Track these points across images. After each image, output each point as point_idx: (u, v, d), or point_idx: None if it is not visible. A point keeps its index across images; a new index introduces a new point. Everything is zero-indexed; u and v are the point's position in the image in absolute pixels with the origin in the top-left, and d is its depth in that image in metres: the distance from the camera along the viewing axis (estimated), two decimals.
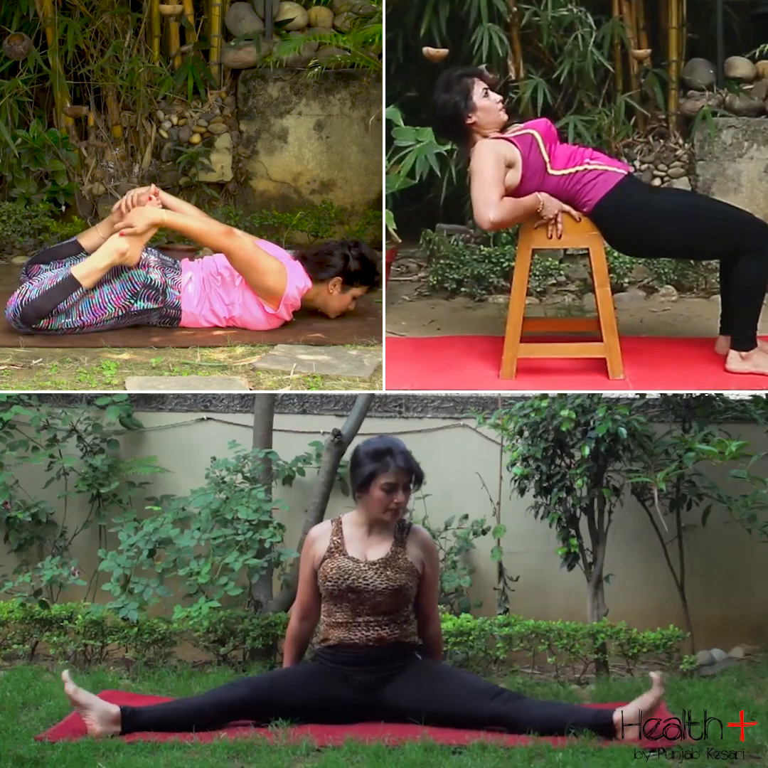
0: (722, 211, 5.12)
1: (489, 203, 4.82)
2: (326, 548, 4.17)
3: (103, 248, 5.12)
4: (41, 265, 5.19)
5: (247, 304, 5.23)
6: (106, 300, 5.10)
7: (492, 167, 4.88)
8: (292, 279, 5.26)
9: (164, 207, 5.25)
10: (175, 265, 5.27)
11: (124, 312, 5.14)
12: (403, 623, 4.14)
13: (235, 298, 5.24)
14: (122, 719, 3.92)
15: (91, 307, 5.09)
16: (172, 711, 4.02)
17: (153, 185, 5.32)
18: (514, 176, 4.90)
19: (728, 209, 5.15)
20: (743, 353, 4.98)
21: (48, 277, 5.07)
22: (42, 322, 5.05)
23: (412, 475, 4.16)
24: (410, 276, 6.45)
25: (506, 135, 4.97)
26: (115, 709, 3.94)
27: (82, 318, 5.08)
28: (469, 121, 4.99)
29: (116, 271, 5.14)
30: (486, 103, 5.00)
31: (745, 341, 4.99)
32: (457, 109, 5.00)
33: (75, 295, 5.05)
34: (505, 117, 5.04)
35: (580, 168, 4.92)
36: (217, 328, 5.27)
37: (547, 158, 4.92)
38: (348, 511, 4.28)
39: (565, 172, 4.92)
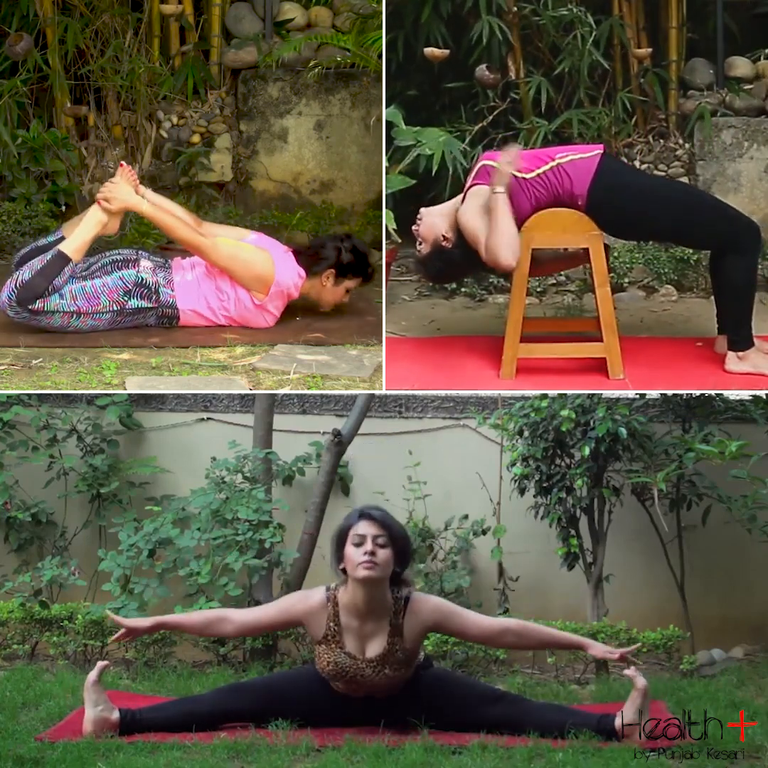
0: (714, 202, 5.19)
1: (501, 250, 4.85)
2: (322, 633, 3.99)
3: (86, 221, 5.21)
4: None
5: (240, 298, 5.24)
6: (99, 291, 5.12)
7: (479, 220, 4.91)
8: (285, 267, 5.28)
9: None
10: (167, 265, 5.29)
11: (119, 308, 5.14)
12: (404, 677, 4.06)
13: (230, 294, 5.24)
14: (120, 724, 3.93)
15: (84, 294, 5.10)
16: (169, 717, 3.99)
17: (124, 165, 5.37)
18: None
19: (719, 202, 5.21)
20: (740, 353, 4.98)
21: (37, 260, 5.10)
22: (38, 302, 5.05)
23: (385, 530, 3.94)
24: (410, 276, 6.44)
25: (468, 183, 5.01)
26: (115, 715, 3.94)
27: (76, 302, 5.08)
28: (445, 241, 5.03)
29: (107, 270, 5.19)
30: (427, 224, 5.05)
31: (740, 342, 4.99)
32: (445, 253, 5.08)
33: (67, 269, 5.08)
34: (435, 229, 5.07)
35: (553, 164, 4.92)
36: (216, 326, 5.28)
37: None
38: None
39: (538, 171, 4.93)
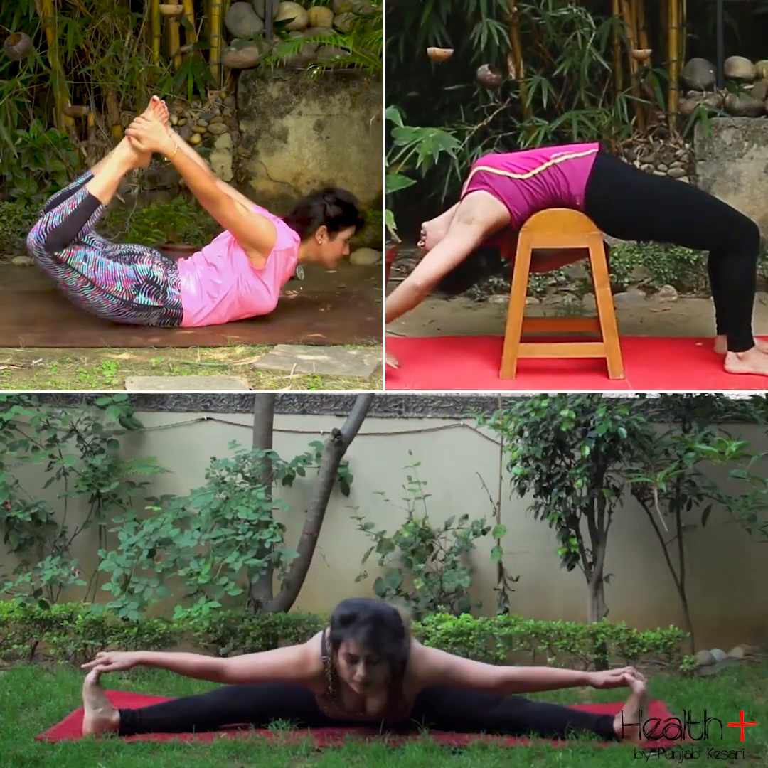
0: (713, 202, 5.21)
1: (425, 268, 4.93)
2: (321, 693, 3.97)
3: (114, 159, 5.16)
4: None
5: (244, 278, 5.23)
6: (118, 273, 5.11)
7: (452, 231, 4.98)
8: (281, 231, 5.31)
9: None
10: (174, 266, 5.29)
11: (128, 299, 5.13)
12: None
13: (232, 279, 5.23)
14: (120, 725, 3.94)
15: (105, 270, 5.09)
16: (169, 719, 3.99)
17: (157, 100, 5.24)
18: (498, 209, 4.92)
19: (719, 202, 5.22)
20: (740, 354, 4.98)
21: (67, 202, 5.05)
22: (64, 251, 5.02)
23: (376, 649, 3.82)
24: None
25: (464, 190, 5.03)
26: (115, 716, 3.95)
27: (95, 272, 5.07)
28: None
29: (125, 259, 5.18)
30: (432, 238, 5.08)
31: (740, 342, 4.99)
32: None
33: (96, 213, 5.05)
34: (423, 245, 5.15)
35: (548, 164, 4.92)
36: (218, 324, 5.28)
37: (504, 172, 4.93)
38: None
39: (534, 172, 4.92)
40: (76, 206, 5.02)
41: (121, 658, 4.08)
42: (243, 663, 4.07)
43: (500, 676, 3.98)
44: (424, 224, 5.17)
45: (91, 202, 5.04)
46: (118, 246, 5.30)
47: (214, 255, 5.29)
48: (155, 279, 5.17)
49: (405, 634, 3.91)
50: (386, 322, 5.01)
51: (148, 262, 5.20)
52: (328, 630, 3.94)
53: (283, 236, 5.30)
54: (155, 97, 5.26)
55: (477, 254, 5.02)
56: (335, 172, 6.85)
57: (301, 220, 5.42)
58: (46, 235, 5.00)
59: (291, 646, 4.12)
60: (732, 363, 4.99)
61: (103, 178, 5.10)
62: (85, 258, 5.06)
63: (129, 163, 5.18)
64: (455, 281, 5.16)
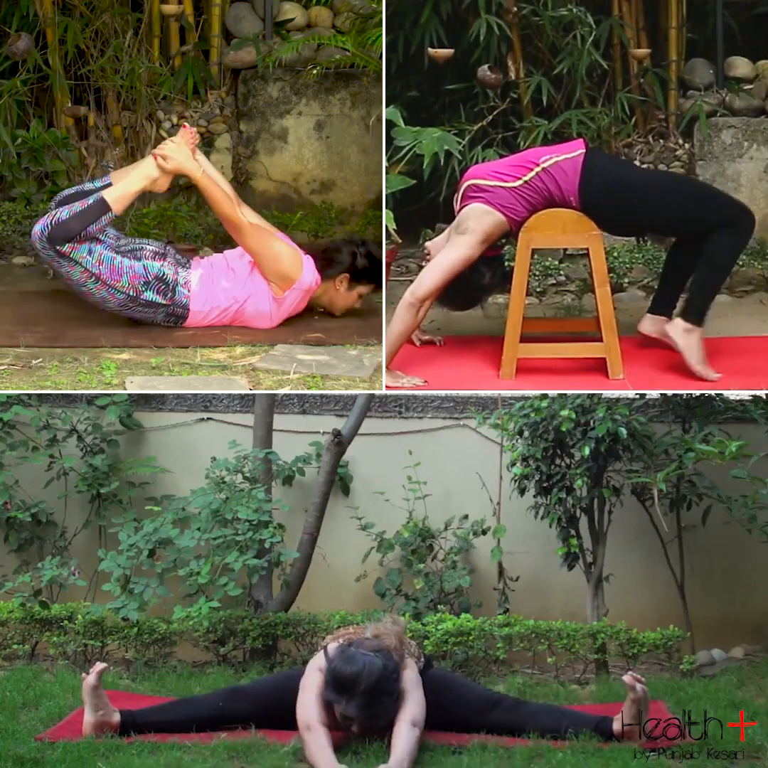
0: (703, 187, 5.25)
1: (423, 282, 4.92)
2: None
3: (136, 173, 5.20)
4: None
5: (257, 296, 5.24)
6: (125, 269, 5.12)
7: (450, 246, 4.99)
8: (308, 271, 5.30)
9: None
10: (187, 265, 5.29)
11: (134, 294, 5.14)
12: None
13: (246, 291, 5.24)
14: (121, 726, 3.94)
15: (110, 264, 5.10)
16: (170, 722, 3.98)
17: (188, 126, 5.35)
18: (493, 217, 4.93)
19: (708, 186, 5.23)
20: (689, 326, 4.94)
21: (78, 202, 5.09)
22: (67, 246, 5.04)
23: (373, 721, 3.86)
24: (410, 276, 6.43)
25: (458, 206, 5.03)
26: (115, 718, 3.95)
27: (99, 267, 5.08)
28: None
29: (136, 255, 5.19)
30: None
31: (695, 314, 4.94)
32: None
33: (105, 219, 5.07)
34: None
35: (538, 169, 4.91)
36: (218, 327, 5.28)
37: (496, 183, 4.93)
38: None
39: (525, 179, 4.91)
40: (86, 206, 5.05)
41: None
42: (303, 710, 3.92)
43: (400, 721, 3.85)
44: (427, 244, 5.22)
45: (103, 206, 5.07)
46: (133, 240, 5.32)
47: (236, 260, 5.29)
48: (165, 277, 5.18)
49: (393, 698, 3.87)
50: (396, 348, 4.99)
51: (160, 259, 5.21)
52: (328, 652, 3.94)
53: (307, 274, 5.29)
54: (186, 123, 5.33)
55: (479, 268, 5.01)
56: (335, 172, 6.85)
57: (327, 260, 5.43)
58: (50, 227, 5.02)
59: (307, 674, 4.03)
60: (675, 328, 4.94)
61: (121, 189, 5.15)
62: (90, 252, 5.06)
63: (149, 181, 5.21)
64: (460, 296, 5.16)
